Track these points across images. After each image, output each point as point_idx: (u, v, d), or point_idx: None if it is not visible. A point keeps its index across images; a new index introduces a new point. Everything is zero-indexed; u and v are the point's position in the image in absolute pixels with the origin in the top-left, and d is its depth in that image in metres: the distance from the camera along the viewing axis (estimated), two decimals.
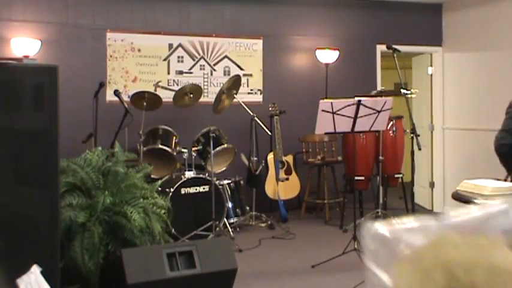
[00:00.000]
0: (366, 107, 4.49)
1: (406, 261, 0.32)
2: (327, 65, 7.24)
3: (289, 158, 6.59)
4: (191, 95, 5.94)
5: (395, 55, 5.00)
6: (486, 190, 3.33)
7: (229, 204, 5.95)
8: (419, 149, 4.74)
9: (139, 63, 6.73)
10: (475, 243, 0.30)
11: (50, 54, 6.27)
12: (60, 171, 3.28)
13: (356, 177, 6.07)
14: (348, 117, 4.49)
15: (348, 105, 4.46)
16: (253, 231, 6.04)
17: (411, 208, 5.64)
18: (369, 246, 0.35)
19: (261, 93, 7.20)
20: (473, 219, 0.34)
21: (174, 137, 5.88)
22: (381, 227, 0.35)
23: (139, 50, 6.72)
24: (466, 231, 0.33)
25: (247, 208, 6.25)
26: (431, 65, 7.76)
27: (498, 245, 0.30)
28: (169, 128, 5.89)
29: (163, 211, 4.16)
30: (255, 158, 6.49)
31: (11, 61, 3.29)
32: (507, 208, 0.35)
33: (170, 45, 6.85)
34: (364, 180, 6.17)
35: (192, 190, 5.51)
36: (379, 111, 4.55)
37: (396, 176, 6.25)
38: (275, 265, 4.86)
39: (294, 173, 6.58)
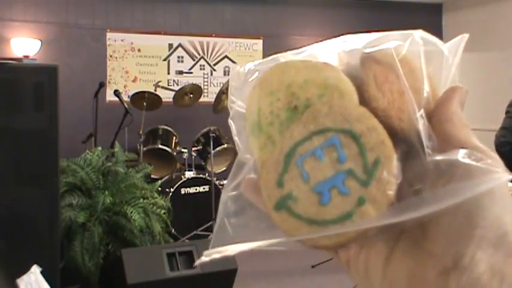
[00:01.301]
0: None
1: (257, 86, 0.36)
2: None
3: None
4: (191, 95, 5.94)
5: None
6: None
7: None
8: None
9: (139, 63, 6.73)
10: (313, 66, 0.35)
11: (50, 54, 6.27)
12: (60, 171, 3.28)
13: None
14: None
15: None
16: None
17: None
18: (231, 83, 0.39)
19: None
20: (315, 48, 0.39)
21: (174, 137, 5.88)
22: (239, 66, 0.39)
23: (139, 50, 6.72)
24: (308, 57, 0.38)
25: None
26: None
27: (332, 68, 0.34)
28: (169, 128, 5.89)
29: (163, 211, 4.16)
30: None
31: (11, 61, 3.29)
32: (346, 37, 0.40)
33: (170, 45, 6.85)
34: None
35: (192, 190, 5.51)
36: None
37: None
38: (275, 265, 4.86)
39: None
